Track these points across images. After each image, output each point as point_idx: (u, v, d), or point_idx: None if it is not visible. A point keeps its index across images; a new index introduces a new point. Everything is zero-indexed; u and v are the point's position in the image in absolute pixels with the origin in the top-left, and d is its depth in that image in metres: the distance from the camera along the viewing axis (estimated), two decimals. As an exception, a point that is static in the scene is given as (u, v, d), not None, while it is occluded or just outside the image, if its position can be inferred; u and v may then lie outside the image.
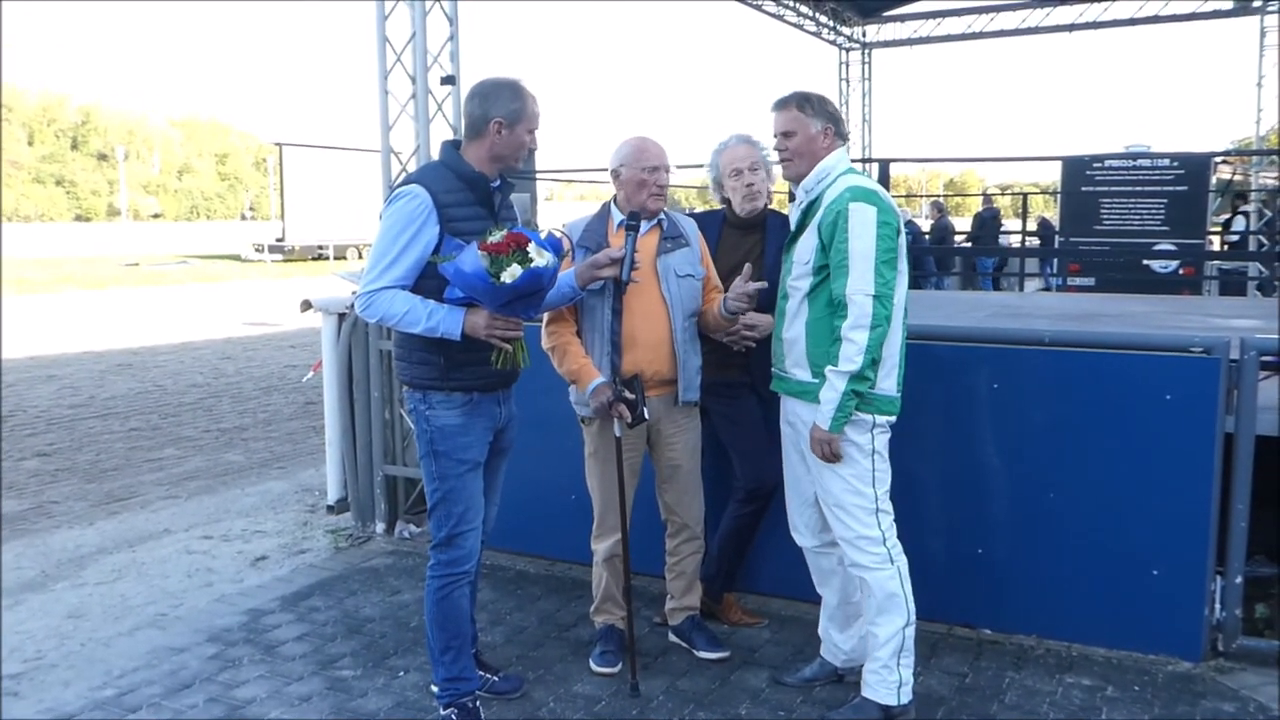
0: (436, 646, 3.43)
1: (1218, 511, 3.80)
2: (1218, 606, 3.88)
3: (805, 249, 3.38)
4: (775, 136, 3.48)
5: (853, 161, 3.58)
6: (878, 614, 3.38)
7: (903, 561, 3.39)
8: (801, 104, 3.42)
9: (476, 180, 3.32)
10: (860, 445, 3.32)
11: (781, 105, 3.46)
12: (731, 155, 4.04)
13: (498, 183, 3.39)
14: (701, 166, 4.28)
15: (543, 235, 3.25)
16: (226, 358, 13.40)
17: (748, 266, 3.69)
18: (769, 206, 4.16)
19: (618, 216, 3.80)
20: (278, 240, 35.17)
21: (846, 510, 3.37)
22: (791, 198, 3.62)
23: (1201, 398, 3.76)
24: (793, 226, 3.50)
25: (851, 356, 3.19)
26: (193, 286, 26.58)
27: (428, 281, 3.23)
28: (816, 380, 3.34)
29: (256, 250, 36.10)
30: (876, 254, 3.20)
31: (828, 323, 3.31)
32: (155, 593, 4.82)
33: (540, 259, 3.09)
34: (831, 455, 3.29)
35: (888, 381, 3.32)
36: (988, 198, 19.92)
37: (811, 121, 3.40)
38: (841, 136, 3.47)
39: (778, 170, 4.39)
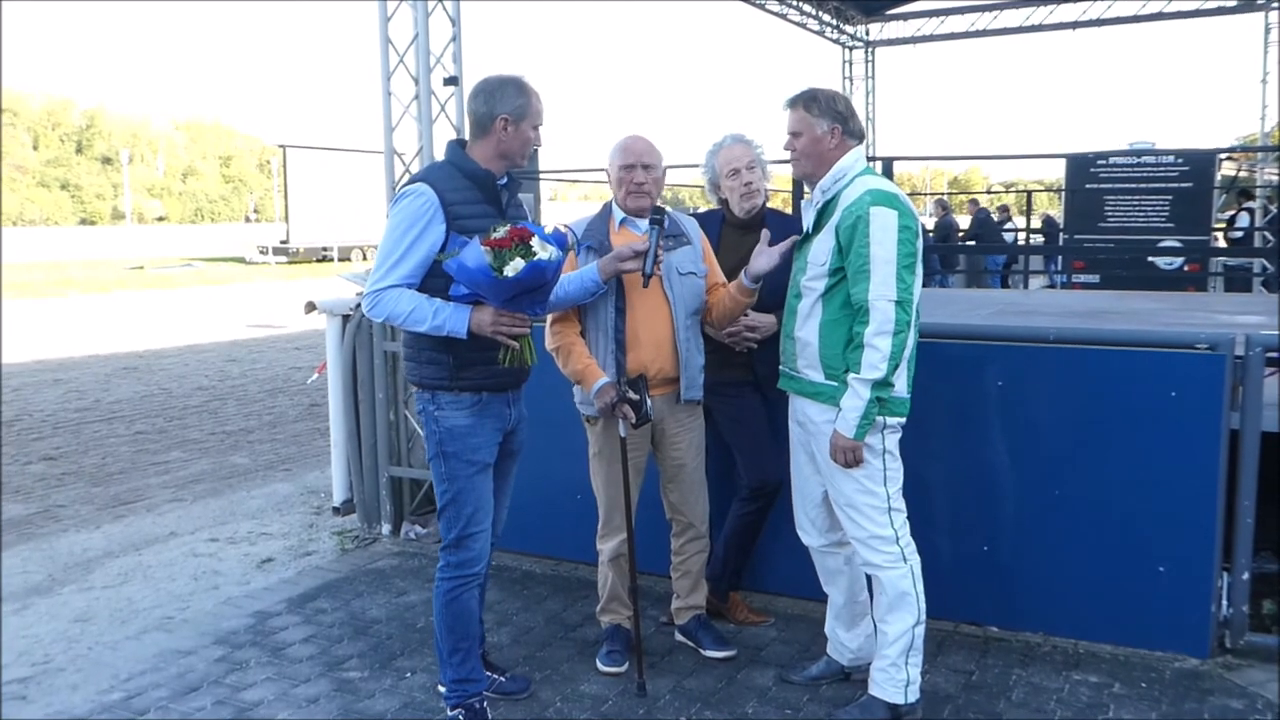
0: (445, 648, 3.43)
1: (1224, 508, 3.80)
2: (1224, 603, 3.87)
3: (821, 250, 3.35)
4: (787, 135, 3.46)
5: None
6: (888, 612, 3.37)
7: (915, 560, 3.38)
8: (808, 104, 3.39)
9: (484, 178, 3.31)
10: (871, 445, 3.30)
11: (790, 104, 3.43)
12: (728, 155, 4.03)
13: (505, 180, 3.39)
14: (701, 166, 4.27)
15: (547, 231, 3.25)
16: (231, 360, 13.42)
17: (765, 232, 3.67)
18: (767, 205, 4.16)
19: (619, 215, 3.80)
20: (282, 242, 35.20)
21: (859, 510, 3.36)
22: (797, 191, 3.59)
23: (1207, 394, 3.75)
24: (808, 226, 3.46)
25: (876, 363, 3.18)
26: (197, 289, 26.61)
27: (434, 280, 3.22)
28: (830, 383, 3.32)
29: (261, 252, 36.17)
30: (898, 259, 3.18)
31: (843, 325, 3.30)
32: (162, 596, 4.83)
33: (544, 252, 3.08)
34: (854, 462, 3.28)
35: (899, 382, 3.30)
36: (974, 202, 19.97)
37: (817, 122, 3.37)
38: (852, 136, 3.41)
39: (774, 169, 4.38)
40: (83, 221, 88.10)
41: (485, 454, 3.38)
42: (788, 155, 3.51)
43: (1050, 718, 3.50)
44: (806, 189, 3.62)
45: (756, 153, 4.05)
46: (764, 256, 3.59)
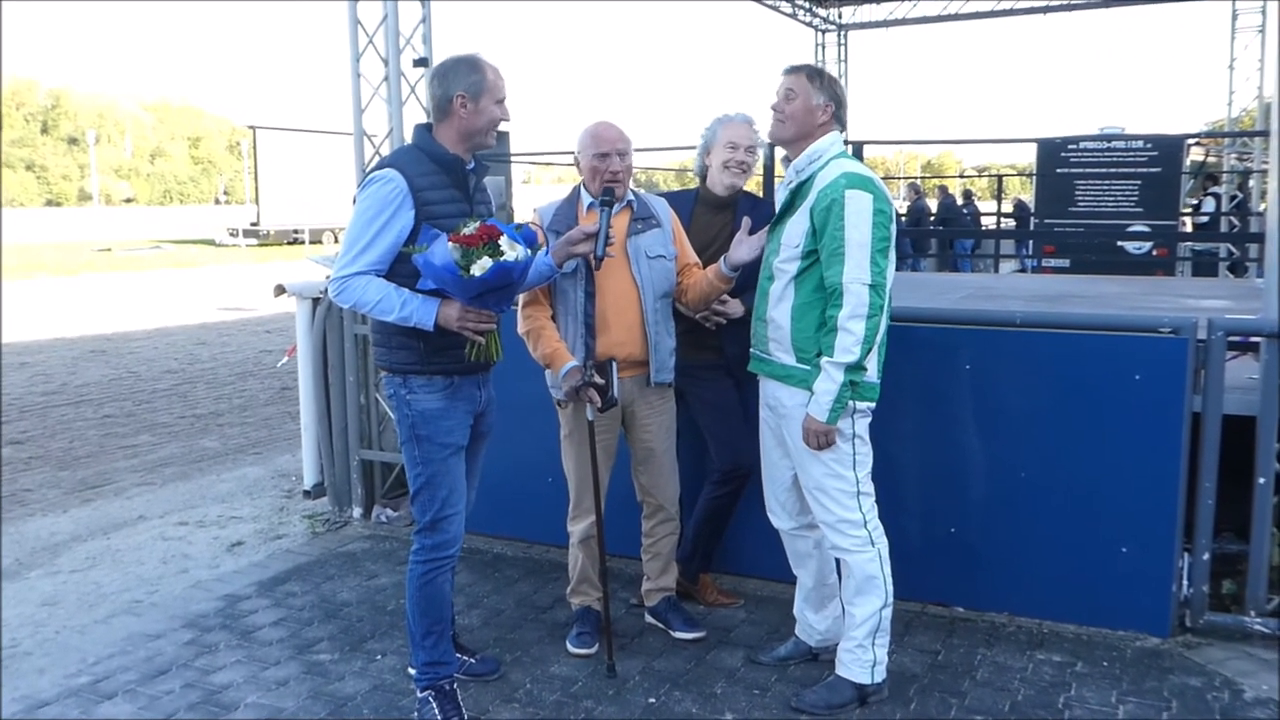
0: (418, 631, 3.43)
1: (1185, 489, 3.85)
2: (1185, 583, 3.93)
3: (795, 231, 3.35)
4: (777, 95, 3.44)
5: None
6: (855, 594, 3.41)
7: (883, 544, 3.41)
8: (813, 75, 3.41)
9: (451, 163, 3.29)
10: (841, 430, 3.32)
11: (793, 70, 3.43)
12: (734, 130, 4.04)
13: (472, 165, 3.37)
14: (678, 149, 4.28)
15: (518, 225, 3.24)
16: (201, 343, 13.31)
17: (746, 219, 3.68)
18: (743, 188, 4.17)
19: (588, 199, 3.80)
20: (252, 224, 34.87)
21: (827, 494, 3.38)
22: (769, 170, 3.58)
23: (1170, 377, 3.80)
24: (779, 206, 3.48)
25: (849, 347, 3.19)
26: (166, 272, 26.33)
27: (403, 266, 3.20)
28: (801, 365, 3.34)
29: (231, 234, 35.82)
30: (872, 243, 3.19)
31: (815, 307, 3.31)
32: (130, 579, 4.81)
33: (511, 252, 3.07)
34: (827, 445, 3.30)
35: (871, 366, 3.31)
36: (943, 189, 20.26)
37: (816, 93, 3.38)
38: (839, 121, 3.44)
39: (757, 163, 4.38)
40: (49, 203, 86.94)
41: (458, 436, 3.38)
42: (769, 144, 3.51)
43: (1014, 696, 3.55)
44: (780, 169, 3.63)
45: (756, 138, 4.08)
46: (744, 246, 3.60)
